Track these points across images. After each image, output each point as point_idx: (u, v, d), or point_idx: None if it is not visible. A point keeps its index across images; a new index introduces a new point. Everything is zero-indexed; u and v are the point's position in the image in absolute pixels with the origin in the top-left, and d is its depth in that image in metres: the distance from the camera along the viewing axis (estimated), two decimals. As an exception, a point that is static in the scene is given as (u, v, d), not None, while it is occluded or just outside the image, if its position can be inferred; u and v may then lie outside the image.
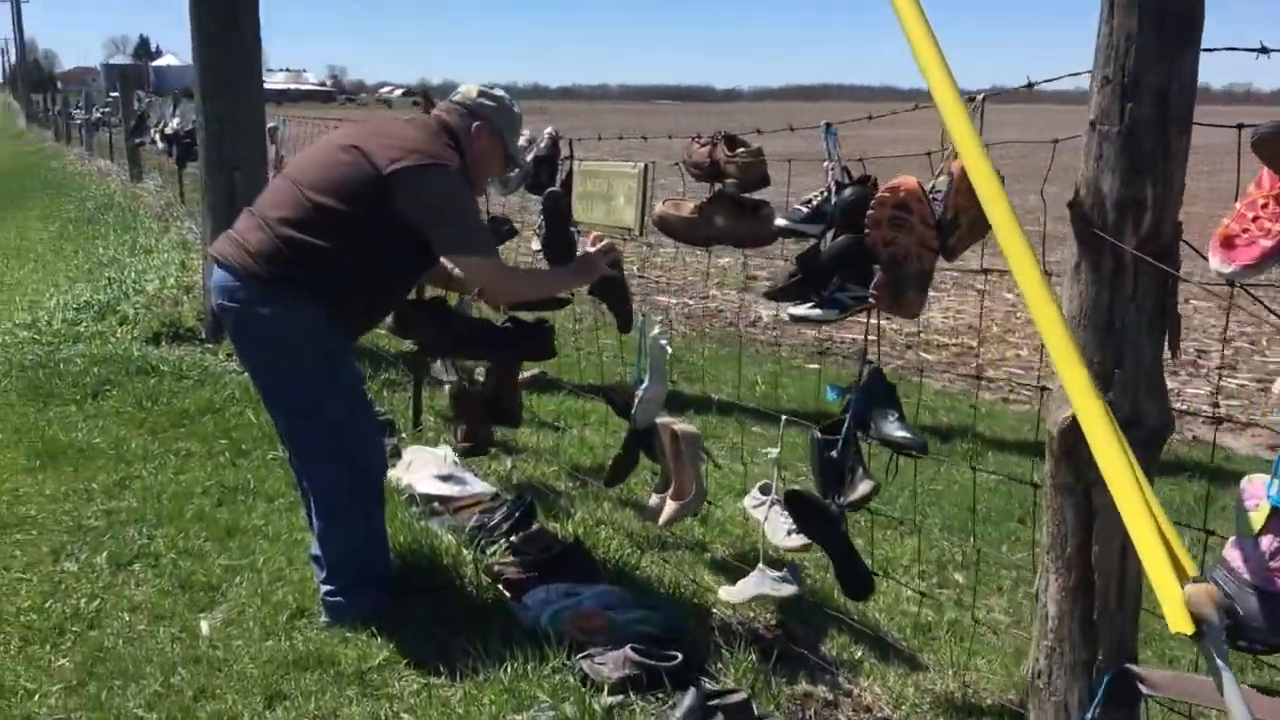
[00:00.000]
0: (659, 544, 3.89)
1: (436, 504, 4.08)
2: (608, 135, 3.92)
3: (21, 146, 29.07)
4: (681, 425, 3.02)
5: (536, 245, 3.96)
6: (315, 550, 3.44)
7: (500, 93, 3.20)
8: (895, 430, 2.49)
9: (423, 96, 4.82)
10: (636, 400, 3.20)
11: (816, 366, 6.91)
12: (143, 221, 11.68)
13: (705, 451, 3.03)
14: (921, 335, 8.24)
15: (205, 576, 3.63)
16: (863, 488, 2.52)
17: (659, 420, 3.11)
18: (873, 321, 2.66)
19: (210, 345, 6.51)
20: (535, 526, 3.80)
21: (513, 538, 3.71)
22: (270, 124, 7.14)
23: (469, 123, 3.12)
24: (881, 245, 2.26)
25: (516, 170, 3.44)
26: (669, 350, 3.12)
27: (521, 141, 3.40)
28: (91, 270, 9.21)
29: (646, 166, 3.27)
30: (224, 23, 6.23)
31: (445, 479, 4.29)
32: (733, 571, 3.55)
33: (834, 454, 2.56)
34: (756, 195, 2.92)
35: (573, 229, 3.79)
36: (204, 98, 6.41)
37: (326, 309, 2.98)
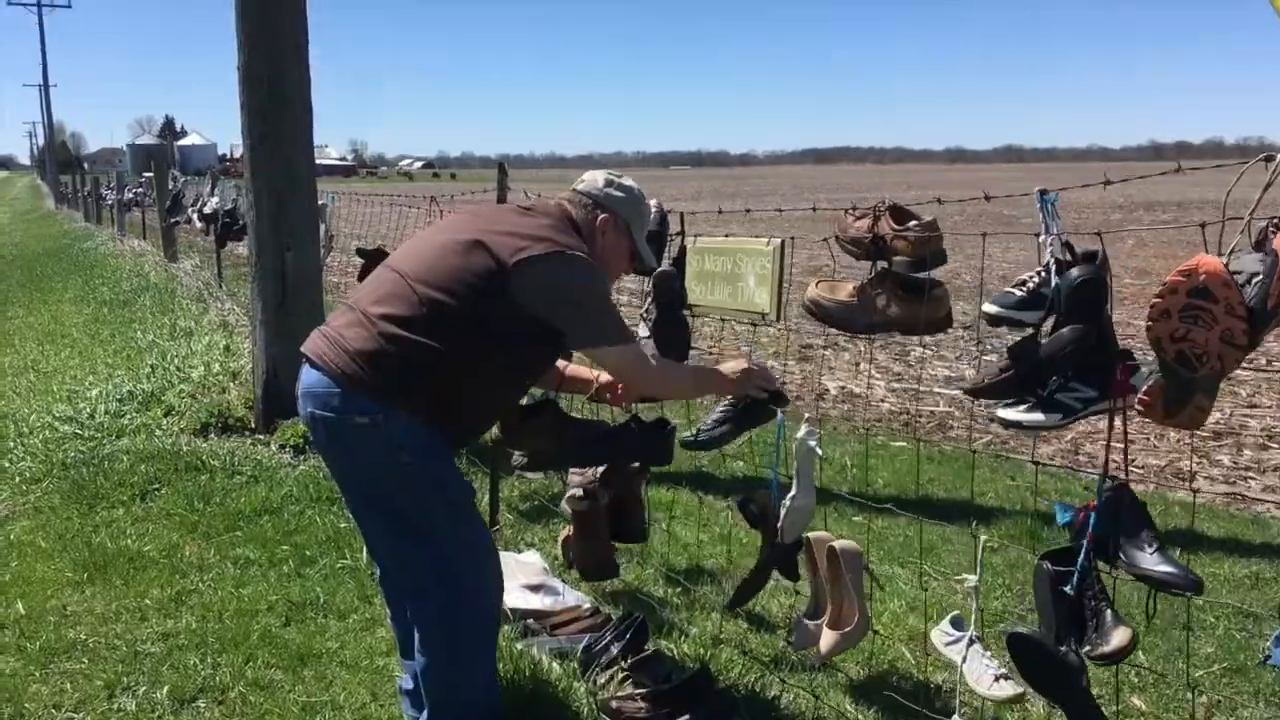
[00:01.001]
0: (787, 664, 3.43)
1: (531, 621, 3.65)
2: (730, 209, 3.53)
3: (52, 228, 29.11)
4: (841, 541, 2.59)
5: (644, 331, 3.57)
6: (408, 684, 3.02)
7: (630, 182, 2.83)
8: (1156, 564, 2.05)
9: (499, 168, 4.47)
10: (781, 512, 2.77)
11: (903, 444, 6.46)
12: (180, 303, 11.39)
13: (868, 569, 2.60)
14: (1002, 405, 7.79)
15: (280, 716, 3.21)
16: (1118, 638, 2.07)
17: (811, 535, 2.68)
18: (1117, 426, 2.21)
19: (261, 436, 6.13)
20: (650, 649, 3.36)
21: (625, 662, 3.27)
22: (320, 201, 6.83)
23: (594, 215, 2.76)
24: (1169, 341, 1.84)
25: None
26: (819, 452, 2.70)
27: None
28: (131, 356, 8.89)
29: (783, 242, 2.88)
30: (275, 97, 5.94)
31: (536, 589, 3.87)
32: (883, 703, 3.10)
33: (1069, 589, 2.12)
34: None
35: (685, 313, 3.40)
36: (253, 175, 6.11)
37: (436, 416, 2.60)
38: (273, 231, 6.10)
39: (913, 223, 2.46)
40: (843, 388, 8.61)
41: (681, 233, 3.37)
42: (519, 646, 3.45)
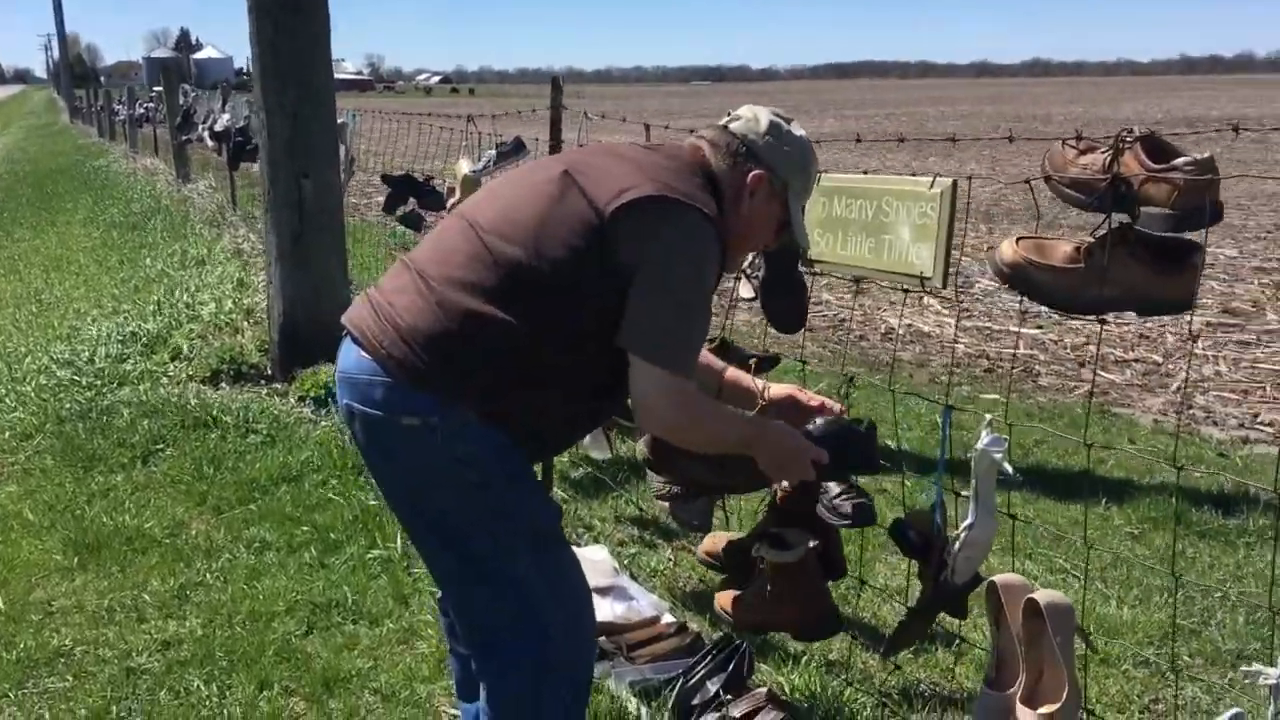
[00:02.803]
0: (920, 701, 2.80)
1: (604, 639, 3.00)
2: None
3: (65, 144, 28.34)
4: (1045, 593, 1.93)
5: (748, 291, 2.88)
6: (462, 740, 2.40)
7: (800, 132, 2.08)
8: None
9: (553, 84, 3.74)
10: (955, 545, 2.10)
11: (995, 396, 5.76)
12: (193, 227, 10.69)
13: (1081, 632, 1.94)
14: (1090, 346, 7.06)
15: (304, 770, 2.60)
16: None
17: (1000, 579, 2.02)
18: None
19: (278, 385, 5.49)
20: (755, 685, 2.72)
21: (728, 703, 2.64)
22: (339, 119, 6.09)
23: (744, 167, 2.02)
24: None
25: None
26: (1008, 468, 2.03)
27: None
28: (138, 287, 8.24)
29: (954, 183, 2.17)
30: (289, 2, 5.19)
31: (605, 593, 3.23)
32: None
33: None
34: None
35: (803, 269, 2.70)
36: (264, 91, 5.38)
37: (511, 419, 1.93)
38: (287, 155, 5.39)
39: (1181, 160, 1.74)
40: (909, 326, 7.89)
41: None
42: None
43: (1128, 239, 1.83)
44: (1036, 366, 6.67)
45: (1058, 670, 1.95)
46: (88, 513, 4.13)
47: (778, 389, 2.34)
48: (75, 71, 75.20)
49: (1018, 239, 1.95)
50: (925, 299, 8.82)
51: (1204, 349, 7.01)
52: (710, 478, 2.32)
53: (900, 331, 7.73)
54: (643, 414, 1.98)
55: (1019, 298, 2.00)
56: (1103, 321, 1.92)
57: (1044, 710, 1.95)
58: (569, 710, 2.07)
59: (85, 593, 3.53)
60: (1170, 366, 6.61)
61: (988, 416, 2.08)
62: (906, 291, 2.40)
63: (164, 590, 3.52)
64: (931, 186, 2.21)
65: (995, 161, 18.73)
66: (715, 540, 2.75)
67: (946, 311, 8.22)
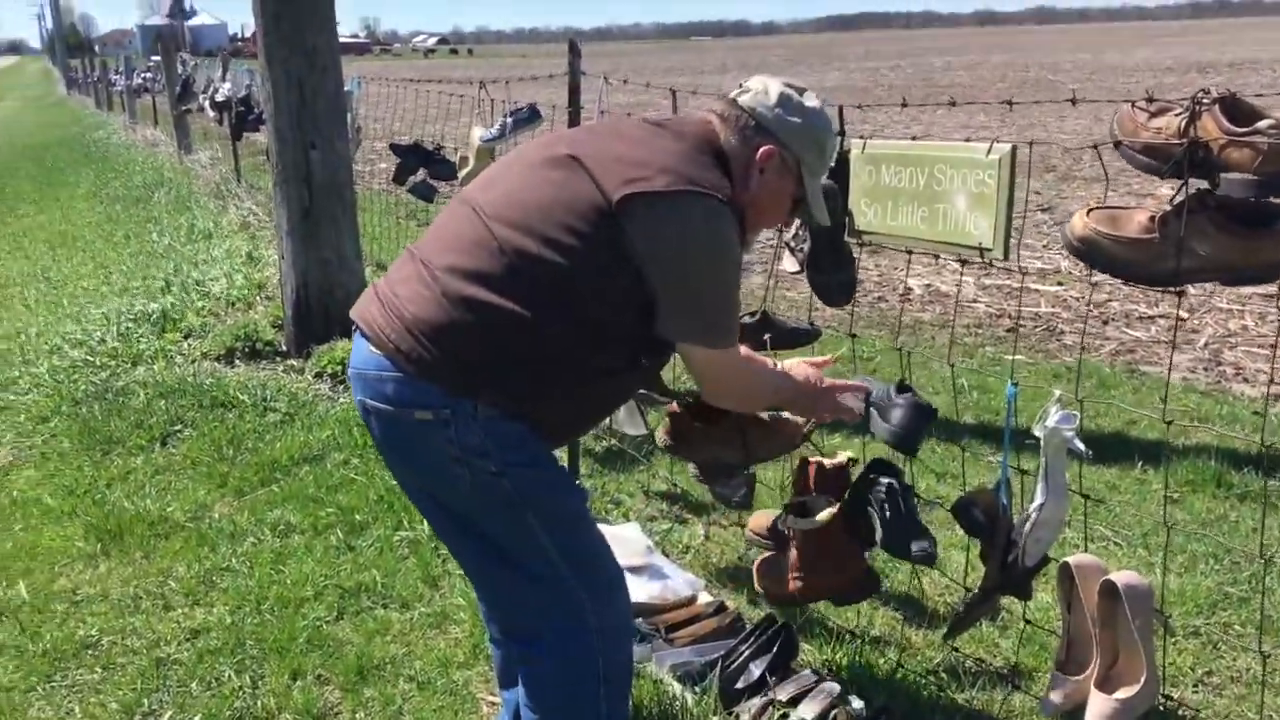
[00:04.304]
0: (969, 677, 2.73)
1: (641, 621, 2.94)
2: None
3: (62, 116, 28.12)
4: (1123, 574, 1.85)
5: (791, 265, 2.79)
6: (503, 726, 2.35)
7: (814, 103, 2.01)
8: None
9: (570, 46, 3.62)
10: (1026, 526, 2.02)
11: (1021, 357, 5.67)
12: (198, 200, 10.58)
13: (1159, 615, 1.86)
14: (1111, 303, 6.96)
15: (343, 763, 2.55)
16: None
17: (1073, 560, 1.94)
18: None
19: (294, 362, 5.41)
20: (803, 668, 2.66)
21: (772, 683, 2.58)
22: (345, 87, 5.96)
23: (754, 142, 1.96)
24: None
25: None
26: (1081, 447, 1.94)
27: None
28: (147, 262, 8.14)
29: (1014, 149, 2.07)
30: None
31: (639, 572, 3.16)
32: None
33: None
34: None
35: (850, 240, 2.60)
36: (269, 61, 5.25)
37: (523, 410, 1.88)
38: (294, 127, 5.28)
39: (1265, 123, 1.65)
40: (928, 286, 7.78)
41: (842, 133, 2.53)
42: (631, 660, 2.75)
43: (1206, 206, 1.74)
44: (1060, 325, 6.57)
45: (1134, 653, 1.88)
46: (108, 497, 4.07)
47: (789, 362, 2.34)
48: (70, 42, 74.79)
49: (1088, 210, 1.85)
50: (942, 258, 8.74)
51: (1228, 303, 6.89)
52: (731, 455, 2.32)
53: (919, 292, 7.63)
54: (711, 394, 2.11)
55: (1036, 256, 1.94)
56: (1180, 293, 1.83)
57: (1121, 694, 1.89)
58: (609, 695, 2.02)
59: (110, 580, 3.48)
60: (1195, 322, 6.51)
61: (1056, 392, 2.00)
62: (963, 263, 2.30)
63: (189, 576, 3.46)
64: (989, 153, 2.11)
65: (1004, 116, 18.49)
66: (761, 518, 2.71)
67: (965, 271, 8.10)
